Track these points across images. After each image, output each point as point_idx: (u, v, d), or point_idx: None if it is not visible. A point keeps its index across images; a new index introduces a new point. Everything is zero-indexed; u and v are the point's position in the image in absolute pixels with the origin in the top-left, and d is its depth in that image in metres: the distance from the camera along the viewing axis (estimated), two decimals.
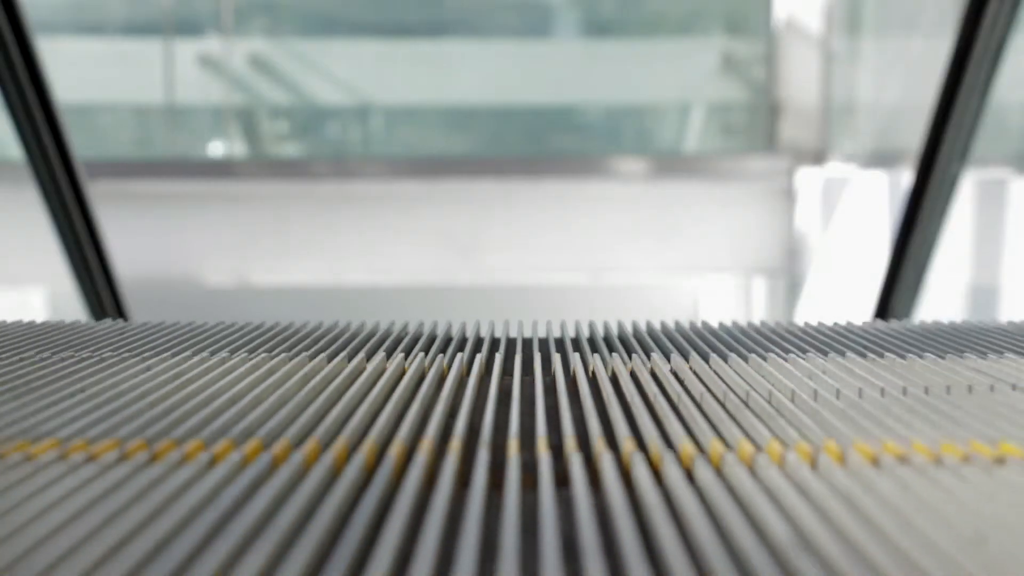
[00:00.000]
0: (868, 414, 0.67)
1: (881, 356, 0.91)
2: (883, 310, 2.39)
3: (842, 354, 0.92)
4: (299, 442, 0.62)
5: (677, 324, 1.13)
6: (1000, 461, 0.57)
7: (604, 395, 0.77)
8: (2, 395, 0.74)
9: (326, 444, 0.62)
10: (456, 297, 4.56)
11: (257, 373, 0.83)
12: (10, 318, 1.19)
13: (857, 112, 4.56)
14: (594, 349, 0.99)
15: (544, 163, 4.60)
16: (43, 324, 1.14)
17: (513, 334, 1.09)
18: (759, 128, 4.68)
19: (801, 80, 4.58)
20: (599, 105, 4.86)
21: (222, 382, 0.78)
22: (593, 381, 0.84)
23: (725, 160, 4.58)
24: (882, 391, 0.75)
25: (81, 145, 2.56)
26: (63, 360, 0.89)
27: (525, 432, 0.66)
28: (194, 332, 1.07)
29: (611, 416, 0.69)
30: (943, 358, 0.90)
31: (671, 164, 4.60)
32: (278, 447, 0.58)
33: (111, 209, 2.90)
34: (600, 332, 1.09)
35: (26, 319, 1.19)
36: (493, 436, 0.64)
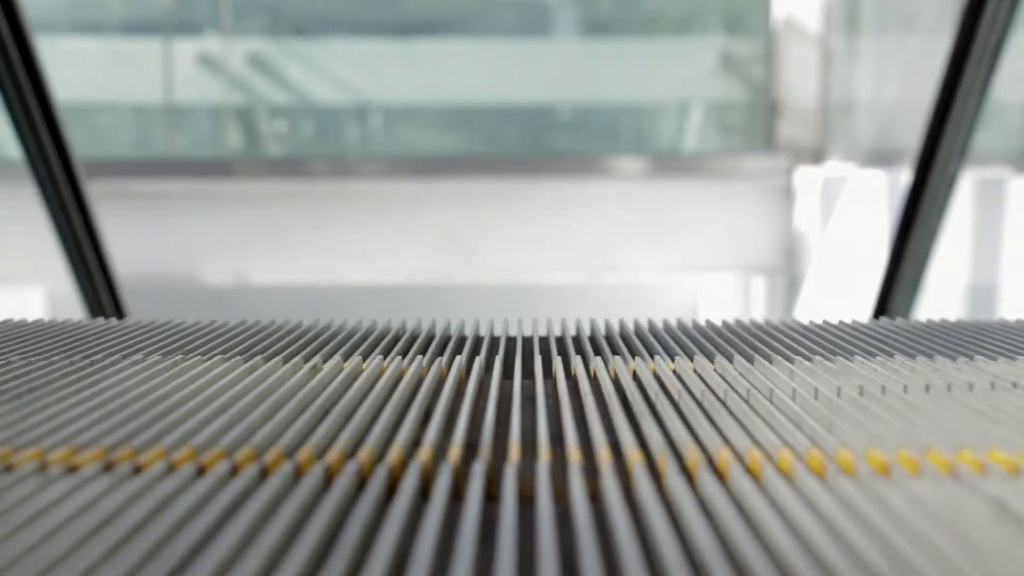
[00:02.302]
0: (870, 413, 0.68)
1: (881, 355, 0.91)
2: (882, 309, 2.39)
3: (844, 352, 0.92)
4: (292, 452, 0.60)
5: (679, 323, 1.13)
6: (986, 469, 0.57)
7: (605, 396, 0.77)
8: None
9: (320, 453, 0.60)
10: (455, 296, 4.56)
11: (251, 377, 0.83)
12: (9, 317, 1.19)
13: (856, 111, 4.56)
14: (596, 349, 0.99)
15: (543, 162, 4.60)
16: (34, 323, 1.14)
17: (513, 332, 1.09)
18: (758, 127, 4.69)
19: (800, 79, 4.58)
20: (598, 104, 4.86)
21: (215, 387, 0.76)
22: (595, 383, 0.84)
23: (724, 159, 4.58)
24: (883, 388, 0.75)
25: (80, 144, 2.56)
26: (52, 364, 0.89)
27: (525, 441, 0.65)
28: (189, 332, 1.07)
29: (613, 420, 0.69)
30: (940, 357, 0.90)
31: (670, 163, 4.60)
32: (270, 456, 0.57)
33: (110, 208, 2.90)
34: (601, 330, 1.09)
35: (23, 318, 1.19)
36: (492, 445, 0.63)
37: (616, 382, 0.82)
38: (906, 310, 2.37)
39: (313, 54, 4.76)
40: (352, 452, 0.60)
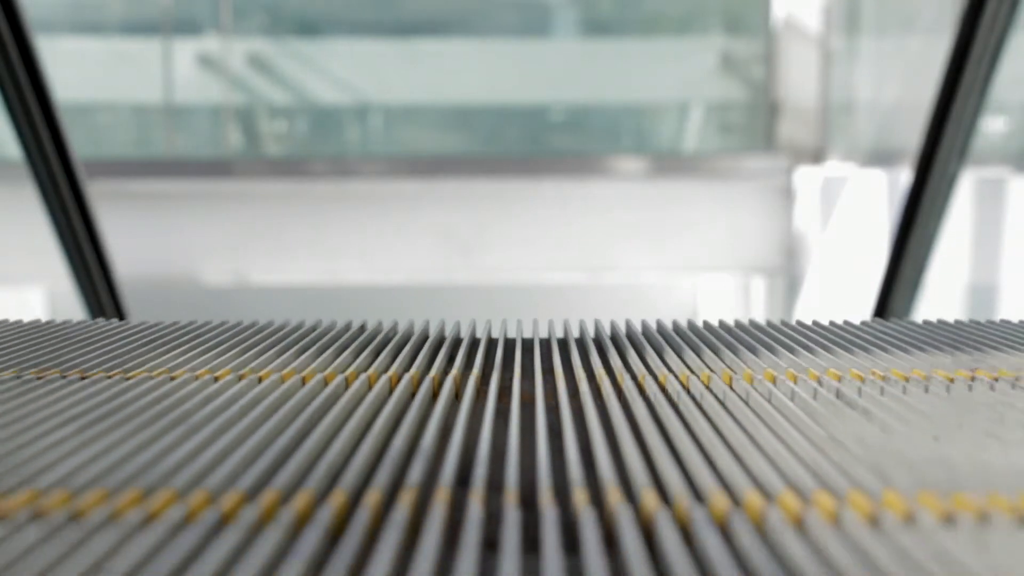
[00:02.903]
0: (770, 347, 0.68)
1: (882, 353, 0.91)
2: (882, 309, 2.39)
3: (843, 351, 0.92)
4: (364, 369, 0.88)
5: (692, 323, 1.13)
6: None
7: (586, 346, 0.81)
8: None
9: (380, 372, 0.84)
10: (455, 296, 4.56)
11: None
12: (10, 317, 1.19)
13: (856, 111, 4.56)
14: (601, 351, 0.99)
15: (543, 162, 4.60)
16: (32, 323, 1.14)
17: (512, 333, 1.08)
18: (758, 127, 4.69)
19: (800, 79, 4.58)
20: (598, 104, 4.86)
21: (289, 339, 0.98)
22: (580, 343, 0.90)
23: (724, 159, 4.58)
24: (882, 389, 0.75)
25: (80, 144, 2.56)
26: (44, 376, 0.89)
27: (524, 371, 0.88)
28: (186, 334, 1.07)
29: (590, 358, 0.73)
30: (943, 354, 0.90)
31: (670, 163, 4.60)
32: (349, 373, 0.83)
33: (110, 208, 2.90)
34: (606, 331, 1.09)
35: (25, 318, 1.19)
36: (502, 372, 0.86)
37: (597, 341, 1.01)
38: (906, 310, 2.37)
39: (313, 54, 4.76)
40: (404, 371, 0.86)
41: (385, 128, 4.92)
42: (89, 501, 0.50)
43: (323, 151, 4.85)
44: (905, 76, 4.05)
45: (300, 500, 0.50)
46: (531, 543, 0.48)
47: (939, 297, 3.12)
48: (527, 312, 1.25)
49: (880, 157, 4.09)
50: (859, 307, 3.49)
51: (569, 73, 4.81)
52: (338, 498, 0.50)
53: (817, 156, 4.49)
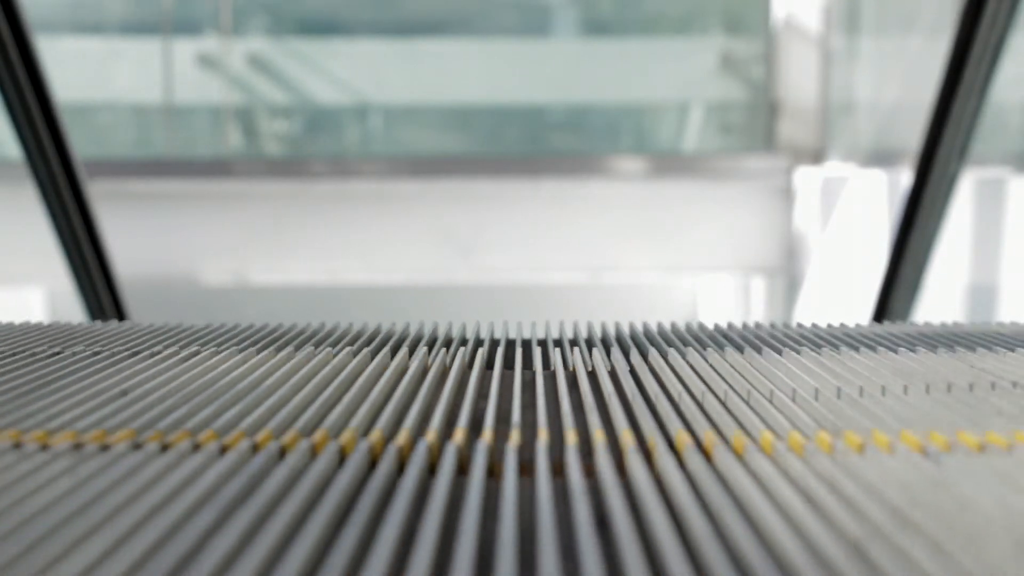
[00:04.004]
0: (867, 411, 0.68)
1: (882, 353, 0.91)
2: (882, 309, 2.39)
3: (845, 349, 0.92)
4: (309, 432, 0.66)
5: (690, 325, 1.13)
6: (984, 448, 0.57)
7: (604, 393, 0.77)
8: (16, 390, 0.74)
9: (334, 434, 0.65)
10: (455, 296, 4.56)
11: (263, 368, 0.83)
12: (10, 318, 1.19)
13: (856, 111, 4.56)
14: (594, 348, 0.99)
15: (543, 162, 4.60)
16: (50, 325, 1.14)
17: (512, 335, 1.10)
18: (758, 127, 4.68)
19: (800, 79, 4.58)
20: (598, 104, 4.86)
21: (231, 376, 0.80)
22: (592, 376, 0.84)
23: (724, 159, 4.58)
24: (883, 389, 0.75)
25: (80, 144, 2.55)
26: (73, 356, 0.89)
27: (526, 425, 0.72)
28: (193, 332, 1.07)
29: (610, 412, 0.69)
30: (943, 355, 0.90)
31: (670, 163, 4.60)
32: (287, 437, 0.62)
33: (110, 208, 2.90)
34: (605, 332, 1.09)
35: (25, 319, 1.19)
36: (495, 427, 0.71)
37: (613, 375, 0.85)
38: (906, 311, 2.37)
39: (313, 54, 4.76)
40: (364, 433, 0.69)
41: (385, 128, 4.92)
42: None
43: (323, 151, 4.84)
44: (905, 76, 4.05)
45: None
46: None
47: (939, 298, 3.12)
48: (527, 312, 1.25)
49: (880, 157, 4.09)
50: (859, 307, 3.49)
51: (569, 73, 4.81)
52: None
53: (817, 156, 4.49)
